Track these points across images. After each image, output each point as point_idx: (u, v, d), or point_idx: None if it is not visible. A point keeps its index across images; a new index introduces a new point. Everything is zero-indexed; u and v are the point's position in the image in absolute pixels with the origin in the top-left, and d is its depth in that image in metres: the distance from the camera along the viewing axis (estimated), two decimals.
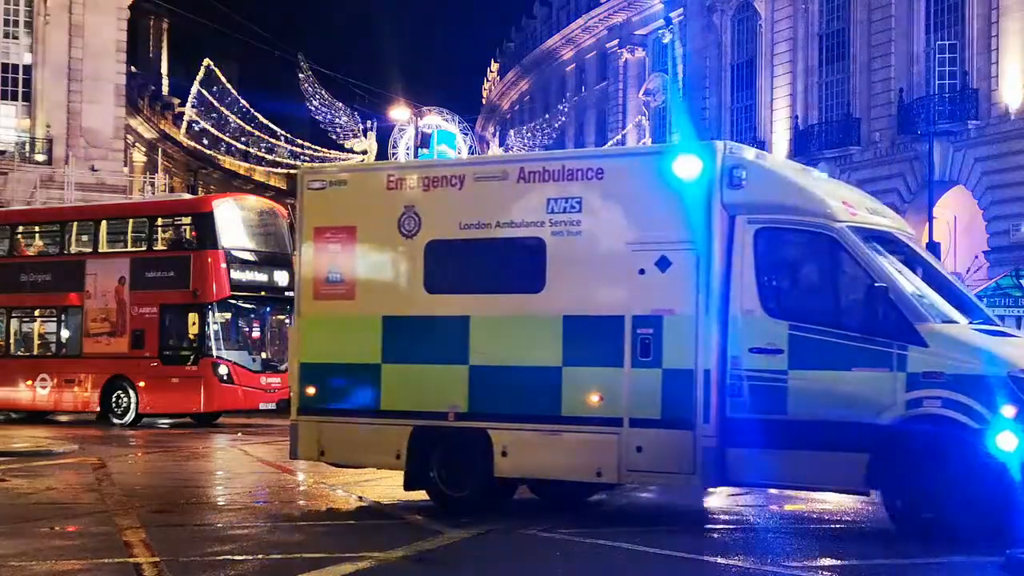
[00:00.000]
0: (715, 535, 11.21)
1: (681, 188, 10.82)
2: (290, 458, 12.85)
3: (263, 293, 26.35)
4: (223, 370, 24.84)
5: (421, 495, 13.57)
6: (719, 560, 9.38)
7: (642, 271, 10.87)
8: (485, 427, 11.39)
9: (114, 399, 25.61)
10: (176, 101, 69.47)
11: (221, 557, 9.23)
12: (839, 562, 9.47)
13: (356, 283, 12.21)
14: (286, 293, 27.02)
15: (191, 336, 25.29)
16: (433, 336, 11.78)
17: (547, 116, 55.01)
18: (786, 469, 10.47)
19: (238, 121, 45.58)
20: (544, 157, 11.69)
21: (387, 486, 14.62)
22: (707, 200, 10.67)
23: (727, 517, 12.37)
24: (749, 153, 11.14)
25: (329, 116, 45.40)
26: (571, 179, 11.32)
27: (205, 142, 47.35)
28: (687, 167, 10.78)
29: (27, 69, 43.51)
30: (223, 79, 45.35)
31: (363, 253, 12.24)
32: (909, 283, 10.64)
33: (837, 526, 11.62)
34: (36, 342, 28.30)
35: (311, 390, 12.30)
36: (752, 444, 10.43)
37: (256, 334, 26.53)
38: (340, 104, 45.93)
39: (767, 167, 11.21)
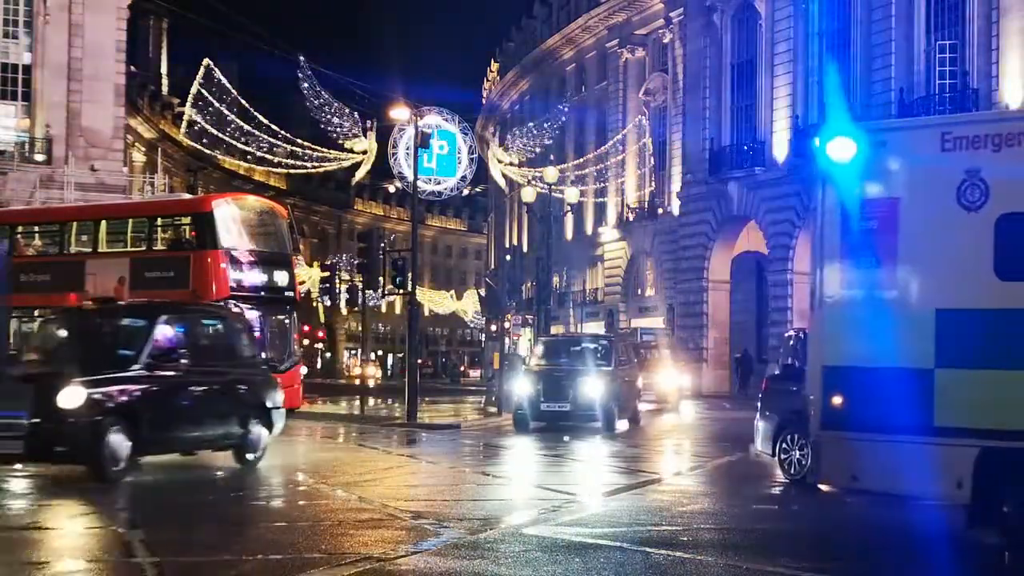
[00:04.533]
0: (712, 535, 11.19)
1: None
2: (814, 482, 11.05)
3: (263, 293, 26.30)
4: None
5: (421, 495, 13.57)
6: (718, 560, 9.38)
7: None
8: None
9: None
10: (176, 101, 69.52)
11: (221, 557, 9.22)
12: (838, 563, 9.46)
13: (898, 268, 10.01)
14: (286, 293, 27.04)
15: None
16: (1009, 334, 9.48)
17: (547, 116, 54.94)
18: None
19: (238, 121, 45.54)
20: None
21: (387, 486, 14.61)
22: None
23: (725, 518, 12.36)
24: None
25: (329, 116, 45.37)
26: None
27: (205, 142, 47.30)
28: None
29: (27, 69, 43.51)
30: (223, 79, 45.30)
31: (908, 231, 9.92)
32: None
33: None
34: None
35: (837, 400, 10.16)
36: None
37: (256, 334, 26.43)
38: (340, 104, 45.88)
39: None
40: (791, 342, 27.36)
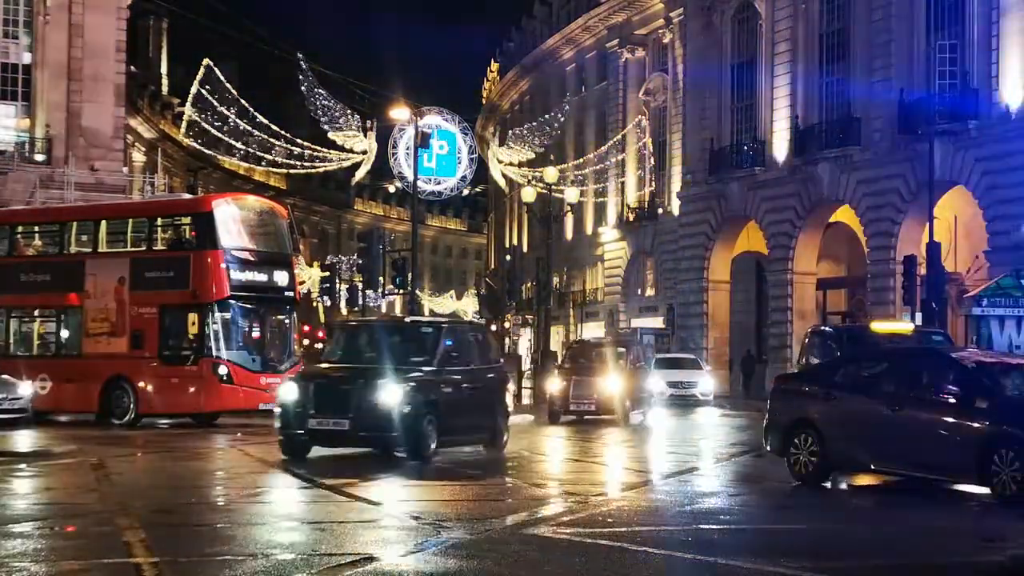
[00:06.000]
0: (713, 535, 11.19)
1: None
2: None
3: (263, 293, 26.31)
4: (223, 370, 24.78)
5: (420, 495, 13.56)
6: (718, 560, 9.37)
7: None
8: None
9: (113, 399, 25.56)
10: (176, 101, 69.49)
11: (221, 557, 9.21)
12: (839, 563, 9.46)
13: None
14: (286, 293, 27.03)
15: (191, 336, 25.24)
16: None
17: (547, 116, 54.95)
18: None
19: (238, 121, 45.56)
20: None
21: (387, 486, 14.60)
22: None
23: (725, 517, 12.35)
24: None
25: (329, 116, 45.39)
26: None
27: (205, 142, 47.32)
28: None
29: (27, 69, 43.47)
30: (223, 79, 45.31)
31: None
32: None
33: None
34: (36, 342, 28.26)
35: None
36: None
37: (256, 334, 26.45)
38: (340, 104, 45.91)
39: None
40: (807, 340, 26.97)
